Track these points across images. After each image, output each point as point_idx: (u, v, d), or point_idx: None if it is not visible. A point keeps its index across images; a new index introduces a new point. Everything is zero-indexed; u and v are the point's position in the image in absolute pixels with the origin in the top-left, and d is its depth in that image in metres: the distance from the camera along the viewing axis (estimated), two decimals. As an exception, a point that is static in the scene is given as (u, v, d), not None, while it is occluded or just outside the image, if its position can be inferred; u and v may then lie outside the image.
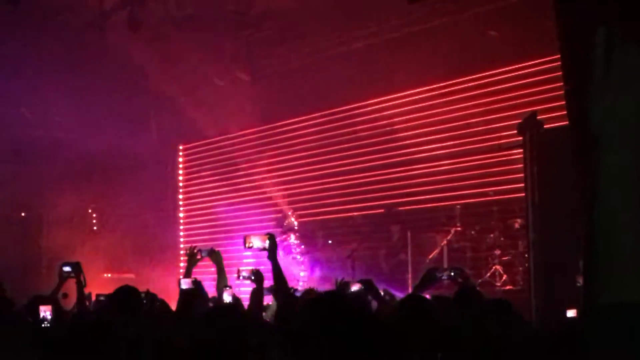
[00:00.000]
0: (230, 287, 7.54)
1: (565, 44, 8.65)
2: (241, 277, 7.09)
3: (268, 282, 6.72)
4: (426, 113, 13.92)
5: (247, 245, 6.29)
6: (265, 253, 6.21)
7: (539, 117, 9.90)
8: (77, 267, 7.57)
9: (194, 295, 6.78)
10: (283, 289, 6.01)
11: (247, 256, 13.66)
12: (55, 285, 7.65)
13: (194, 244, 8.89)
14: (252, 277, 6.84)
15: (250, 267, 7.13)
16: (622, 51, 1.51)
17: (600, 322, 1.50)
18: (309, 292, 7.87)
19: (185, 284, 7.22)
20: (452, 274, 6.45)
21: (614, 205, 1.51)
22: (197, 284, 7.15)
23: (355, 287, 6.87)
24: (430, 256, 12.82)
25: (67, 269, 7.59)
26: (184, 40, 14.98)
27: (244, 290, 8.55)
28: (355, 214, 14.65)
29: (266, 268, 7.84)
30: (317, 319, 2.48)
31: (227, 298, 7.34)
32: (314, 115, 15.78)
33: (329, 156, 15.44)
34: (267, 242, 6.17)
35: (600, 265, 1.53)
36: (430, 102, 13.90)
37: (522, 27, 12.04)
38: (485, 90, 13.16)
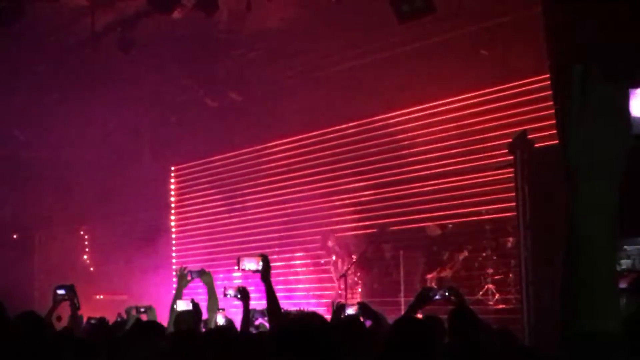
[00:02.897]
0: (224, 309, 7.52)
1: (556, 63, 8.71)
2: (228, 295, 7.08)
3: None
4: (417, 133, 13.95)
5: (240, 267, 6.26)
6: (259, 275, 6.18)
7: (529, 136, 9.94)
8: (70, 290, 7.57)
9: (192, 316, 6.78)
10: (276, 311, 5.99)
11: (239, 277, 13.65)
12: (49, 307, 7.64)
13: (184, 265, 8.86)
14: (239, 295, 6.82)
15: (237, 285, 7.11)
16: (597, 89, 1.58)
17: (576, 350, 1.55)
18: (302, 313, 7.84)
19: (183, 305, 7.19)
20: (447, 293, 6.43)
21: (589, 235, 1.58)
22: (195, 305, 7.13)
23: (351, 310, 6.88)
24: (430, 276, 12.82)
25: (61, 291, 7.60)
26: (175, 61, 15.02)
27: (234, 312, 8.51)
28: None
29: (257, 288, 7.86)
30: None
31: (220, 320, 7.33)
32: (305, 135, 15.81)
33: (321, 176, 15.45)
34: (261, 263, 6.14)
35: (576, 294, 1.58)
36: (421, 122, 13.93)
37: (512, 46, 12.11)
38: (476, 109, 13.20)
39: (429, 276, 12.80)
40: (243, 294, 6.75)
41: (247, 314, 6.67)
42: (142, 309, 8.06)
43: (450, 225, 13.03)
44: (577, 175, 1.60)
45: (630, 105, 1.62)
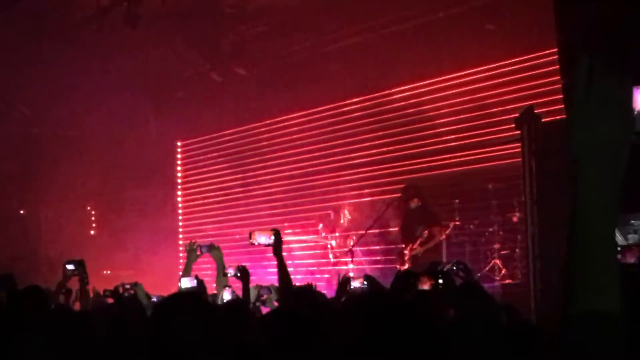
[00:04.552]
0: (230, 286, 7.50)
1: (564, 37, 8.67)
2: (228, 274, 7.08)
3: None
4: (423, 108, 13.91)
5: (251, 241, 6.24)
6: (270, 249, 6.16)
7: (536, 111, 9.91)
8: (80, 265, 7.61)
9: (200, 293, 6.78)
10: (287, 286, 5.98)
11: (245, 252, 13.68)
12: (57, 281, 7.70)
13: (193, 240, 8.83)
14: (238, 274, 6.80)
15: (236, 264, 7.09)
16: (601, 82, 1.66)
17: (577, 328, 1.62)
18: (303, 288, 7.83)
19: (187, 282, 7.19)
20: (454, 268, 6.43)
21: (591, 220, 1.66)
22: (200, 282, 7.13)
23: (356, 283, 6.89)
24: (424, 247, 12.68)
25: (70, 266, 7.63)
26: (181, 36, 14.97)
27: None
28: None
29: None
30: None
31: (227, 296, 7.33)
32: (311, 110, 15.78)
33: (326, 151, 15.44)
34: (273, 237, 6.11)
35: (578, 274, 1.66)
36: (427, 97, 13.89)
37: (520, 20, 12.03)
38: (482, 84, 13.15)
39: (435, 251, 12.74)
40: (243, 273, 6.74)
41: (247, 292, 6.67)
42: (128, 286, 8.03)
43: (456, 201, 13.00)
44: (580, 162, 1.68)
45: (633, 101, 1.70)
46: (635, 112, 1.71)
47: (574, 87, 1.69)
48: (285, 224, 15.37)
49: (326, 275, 14.50)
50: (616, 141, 1.67)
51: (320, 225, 15.09)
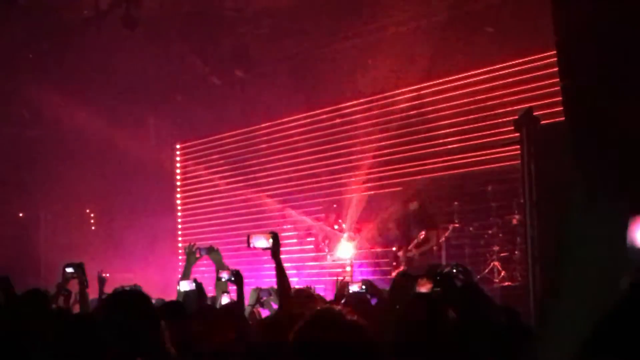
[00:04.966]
0: (229, 292, 7.45)
1: (562, 39, 8.67)
2: (222, 279, 7.04)
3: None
4: (423, 110, 13.92)
5: (250, 244, 6.19)
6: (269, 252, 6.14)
7: (535, 113, 9.91)
8: (79, 268, 7.60)
9: (198, 296, 6.77)
10: (286, 289, 5.96)
11: (245, 254, 13.67)
12: (56, 284, 7.69)
13: (192, 242, 8.81)
14: (232, 278, 6.78)
15: (230, 268, 7.06)
16: (600, 204, 1.67)
17: None
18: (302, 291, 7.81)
19: (186, 285, 7.15)
20: (454, 270, 6.42)
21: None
22: (198, 285, 7.11)
23: (354, 287, 6.88)
24: (419, 249, 12.67)
25: (69, 270, 7.61)
26: (180, 38, 14.97)
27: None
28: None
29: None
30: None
31: (224, 301, 7.31)
32: (311, 112, 15.78)
33: (326, 154, 15.45)
34: (271, 240, 6.07)
35: None
36: (427, 99, 13.90)
37: (520, 23, 12.04)
38: (482, 86, 13.16)
39: (435, 253, 12.74)
40: (237, 278, 6.71)
41: (241, 296, 6.64)
42: (127, 288, 8.00)
43: (456, 203, 13.00)
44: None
45: (634, 234, 1.66)
46: (630, 246, 1.69)
47: (569, 213, 1.69)
48: (284, 227, 15.38)
49: (325, 278, 14.48)
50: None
51: (321, 236, 15.08)
